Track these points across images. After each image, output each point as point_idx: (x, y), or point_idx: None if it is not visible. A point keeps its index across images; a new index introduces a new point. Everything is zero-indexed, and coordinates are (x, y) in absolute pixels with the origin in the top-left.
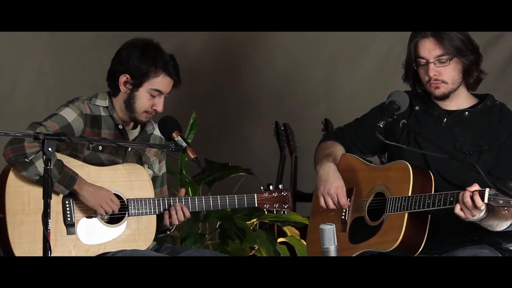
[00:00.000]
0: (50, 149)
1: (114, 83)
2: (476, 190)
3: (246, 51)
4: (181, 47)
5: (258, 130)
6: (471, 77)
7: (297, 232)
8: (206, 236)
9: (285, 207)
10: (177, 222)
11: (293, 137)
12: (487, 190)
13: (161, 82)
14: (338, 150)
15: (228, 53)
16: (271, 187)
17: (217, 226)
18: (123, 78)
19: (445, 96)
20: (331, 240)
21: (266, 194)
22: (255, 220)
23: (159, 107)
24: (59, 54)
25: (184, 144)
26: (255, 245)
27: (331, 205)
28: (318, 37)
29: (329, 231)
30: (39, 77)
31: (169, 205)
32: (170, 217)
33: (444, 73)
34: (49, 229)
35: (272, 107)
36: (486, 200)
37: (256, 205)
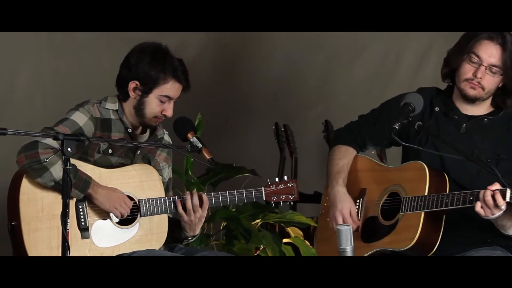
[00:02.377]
0: (69, 149)
1: (124, 89)
2: (498, 189)
3: (243, 52)
4: (178, 48)
5: (257, 130)
6: (506, 97)
7: (301, 232)
8: (211, 237)
9: (291, 198)
10: (191, 210)
11: (293, 138)
12: (508, 189)
13: (171, 88)
14: (350, 159)
15: (225, 54)
16: (276, 179)
17: (221, 227)
18: (132, 84)
19: (475, 100)
20: (347, 240)
21: (273, 187)
22: (259, 220)
23: (169, 112)
24: (58, 54)
25: (200, 145)
26: (261, 246)
27: None
28: (316, 37)
29: (346, 231)
30: (37, 77)
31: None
32: (185, 204)
33: (487, 81)
34: (68, 229)
35: (269, 107)
36: (508, 199)
37: (264, 198)
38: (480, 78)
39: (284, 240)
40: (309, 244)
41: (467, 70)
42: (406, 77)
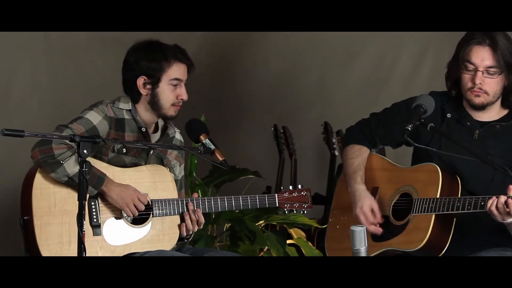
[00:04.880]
0: (85, 151)
1: (133, 89)
2: (511, 196)
3: (240, 52)
4: None
5: (255, 132)
6: (510, 96)
7: (303, 234)
8: (216, 239)
9: (305, 206)
10: (191, 227)
11: (292, 140)
12: None
13: (177, 69)
14: (365, 157)
15: (222, 55)
16: (290, 187)
17: (224, 229)
18: (140, 80)
19: (482, 107)
20: (361, 241)
21: (286, 194)
22: (262, 222)
23: (184, 96)
24: (54, 54)
25: (213, 147)
26: (265, 247)
27: (365, 223)
28: (312, 38)
29: (360, 232)
30: (33, 77)
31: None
32: (186, 225)
33: (489, 84)
34: (84, 231)
35: (267, 109)
36: None
37: (277, 205)
38: (480, 83)
39: (287, 242)
40: (312, 245)
41: (467, 80)
42: (403, 78)
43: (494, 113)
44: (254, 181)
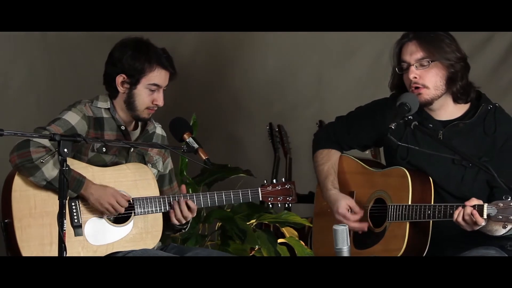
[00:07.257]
0: (66, 150)
1: (111, 85)
2: (475, 205)
3: (236, 52)
4: (172, 48)
5: (250, 131)
6: (454, 86)
7: (296, 233)
8: (206, 238)
9: (289, 199)
10: (181, 218)
11: (287, 139)
12: (485, 205)
13: (157, 75)
14: (335, 160)
15: (218, 54)
16: (274, 181)
17: (216, 228)
18: (119, 78)
19: (428, 103)
20: (344, 240)
21: (269, 188)
22: (254, 221)
23: (160, 102)
24: (51, 54)
25: (196, 146)
26: (256, 246)
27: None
28: (309, 38)
29: (343, 231)
30: (31, 77)
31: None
32: (175, 214)
33: (425, 77)
34: (65, 230)
35: (263, 108)
36: (485, 216)
37: (261, 199)
38: (415, 77)
39: (279, 240)
40: (304, 244)
41: (405, 79)
42: None
43: (452, 110)
44: (249, 180)
